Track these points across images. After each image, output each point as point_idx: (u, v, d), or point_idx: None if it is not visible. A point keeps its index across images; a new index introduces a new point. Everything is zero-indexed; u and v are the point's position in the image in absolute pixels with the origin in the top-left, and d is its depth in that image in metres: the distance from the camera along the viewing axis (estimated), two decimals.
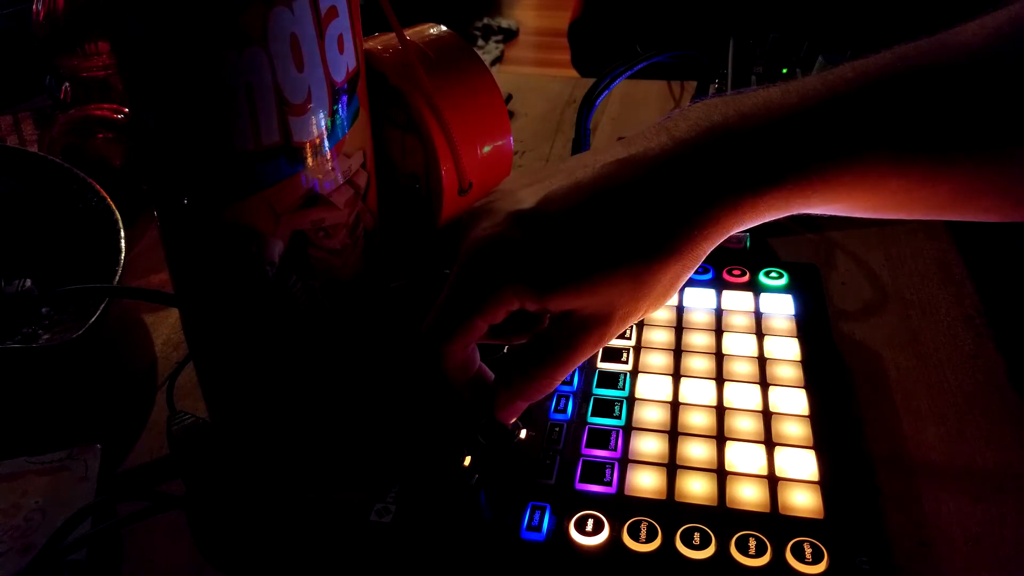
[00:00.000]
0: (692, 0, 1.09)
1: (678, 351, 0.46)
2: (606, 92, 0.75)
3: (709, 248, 0.35)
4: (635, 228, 0.35)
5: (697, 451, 0.40)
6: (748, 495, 0.37)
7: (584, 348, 0.36)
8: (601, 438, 0.41)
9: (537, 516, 0.37)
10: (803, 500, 0.37)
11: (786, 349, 0.45)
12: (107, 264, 0.55)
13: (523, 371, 0.38)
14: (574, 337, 0.36)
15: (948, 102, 0.33)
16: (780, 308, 0.49)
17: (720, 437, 0.40)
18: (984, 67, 0.33)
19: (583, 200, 0.36)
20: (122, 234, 0.56)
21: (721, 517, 0.36)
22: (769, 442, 0.40)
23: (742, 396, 0.43)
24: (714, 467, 0.39)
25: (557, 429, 0.41)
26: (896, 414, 0.46)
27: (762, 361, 0.45)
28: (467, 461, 0.39)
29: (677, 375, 0.44)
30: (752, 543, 0.35)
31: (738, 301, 0.49)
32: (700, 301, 0.50)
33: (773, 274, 0.51)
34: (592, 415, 0.42)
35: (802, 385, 0.43)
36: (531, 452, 0.40)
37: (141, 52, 0.35)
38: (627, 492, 0.38)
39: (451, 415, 0.41)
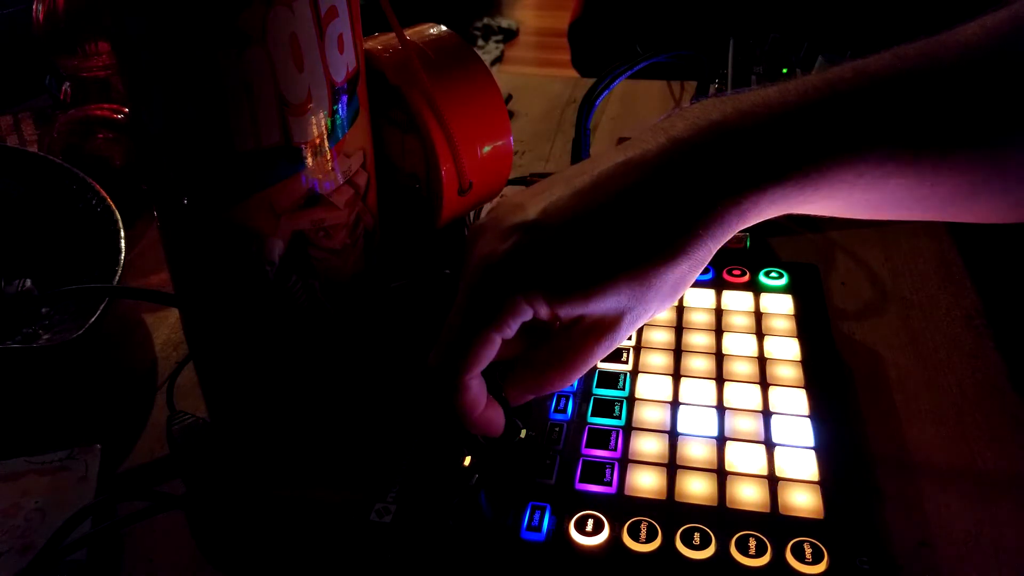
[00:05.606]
0: (692, 0, 1.09)
1: (678, 351, 0.46)
2: (606, 92, 0.75)
3: (715, 247, 0.35)
4: (641, 231, 0.35)
5: (697, 451, 0.40)
6: (748, 495, 0.37)
7: (596, 352, 0.36)
8: (601, 438, 0.41)
9: (537, 516, 0.37)
10: (803, 500, 0.37)
11: (786, 349, 0.45)
12: (107, 264, 0.55)
13: (535, 374, 0.38)
14: (585, 342, 0.36)
15: (948, 101, 0.33)
16: (780, 308, 0.49)
17: (720, 437, 0.40)
18: (984, 67, 0.33)
19: (587, 205, 0.36)
20: (122, 234, 0.56)
21: (721, 517, 0.36)
22: (769, 442, 0.40)
23: (742, 396, 0.43)
24: (714, 467, 0.39)
25: (557, 429, 0.41)
26: (896, 414, 0.46)
27: (762, 361, 0.45)
28: (467, 461, 0.39)
29: (677, 375, 0.44)
30: (752, 543, 0.35)
31: (738, 301, 0.49)
32: (700, 301, 0.50)
33: (773, 274, 0.51)
34: (592, 415, 0.42)
35: (802, 385, 0.43)
36: (531, 452, 0.40)
37: (141, 52, 0.35)
38: (627, 492, 0.38)
39: (451, 415, 0.41)
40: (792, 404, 0.42)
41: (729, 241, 0.36)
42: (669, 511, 0.37)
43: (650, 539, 0.35)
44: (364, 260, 0.43)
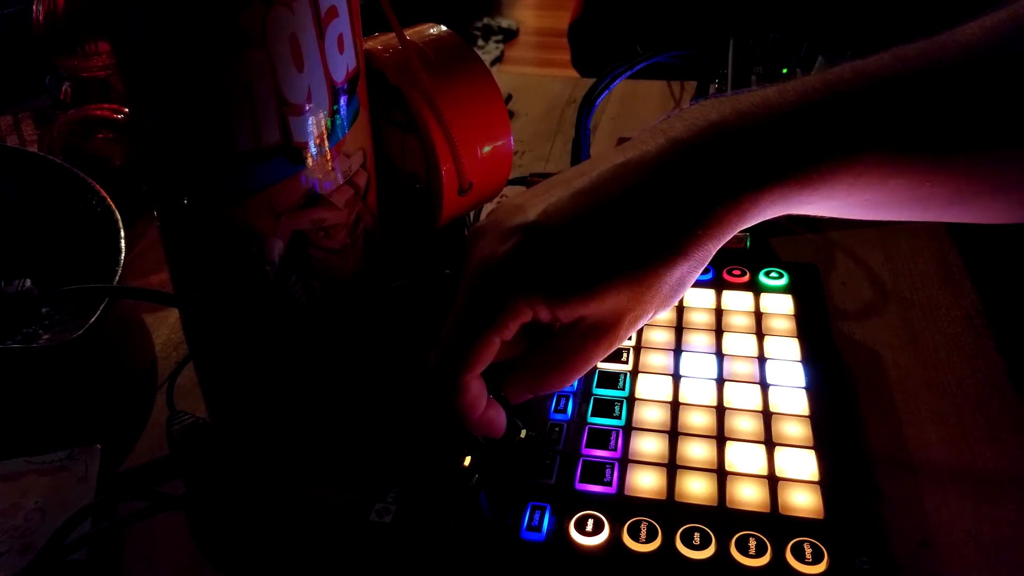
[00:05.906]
0: (692, 0, 1.09)
1: (678, 351, 0.46)
2: (606, 92, 0.75)
3: (715, 247, 0.35)
4: (641, 232, 0.35)
5: (697, 451, 0.40)
6: (748, 495, 0.37)
7: (596, 353, 0.36)
8: (601, 438, 0.41)
9: (537, 516, 0.37)
10: (803, 500, 0.37)
11: (786, 349, 0.45)
12: (107, 264, 0.55)
13: (535, 374, 0.38)
14: (585, 343, 0.36)
15: (948, 102, 0.33)
16: (780, 308, 0.49)
17: (720, 437, 0.40)
18: (984, 67, 0.33)
19: (587, 207, 0.36)
20: (122, 234, 0.56)
21: (721, 517, 0.36)
22: (769, 442, 0.40)
23: (742, 396, 0.43)
24: (714, 467, 0.39)
25: (557, 429, 0.41)
26: (896, 414, 0.46)
27: (762, 361, 0.45)
28: (467, 461, 0.39)
29: (677, 375, 0.44)
30: (752, 543, 0.35)
31: (738, 301, 0.49)
32: (700, 301, 0.50)
33: (773, 274, 0.51)
34: (592, 415, 0.42)
35: (802, 385, 0.43)
36: (531, 452, 0.40)
37: (141, 52, 0.35)
38: (627, 492, 0.38)
39: (452, 416, 0.41)
40: (792, 404, 0.42)
41: (729, 241, 0.36)
42: (669, 511, 0.37)
43: (650, 539, 0.35)
44: (364, 260, 0.43)
